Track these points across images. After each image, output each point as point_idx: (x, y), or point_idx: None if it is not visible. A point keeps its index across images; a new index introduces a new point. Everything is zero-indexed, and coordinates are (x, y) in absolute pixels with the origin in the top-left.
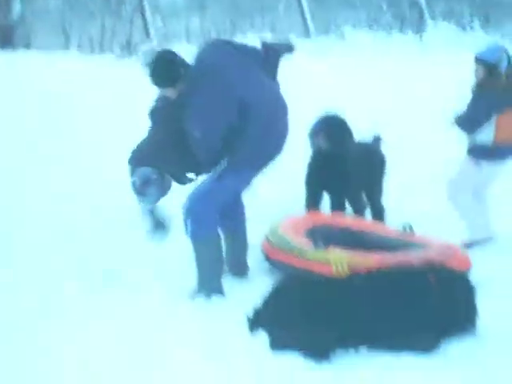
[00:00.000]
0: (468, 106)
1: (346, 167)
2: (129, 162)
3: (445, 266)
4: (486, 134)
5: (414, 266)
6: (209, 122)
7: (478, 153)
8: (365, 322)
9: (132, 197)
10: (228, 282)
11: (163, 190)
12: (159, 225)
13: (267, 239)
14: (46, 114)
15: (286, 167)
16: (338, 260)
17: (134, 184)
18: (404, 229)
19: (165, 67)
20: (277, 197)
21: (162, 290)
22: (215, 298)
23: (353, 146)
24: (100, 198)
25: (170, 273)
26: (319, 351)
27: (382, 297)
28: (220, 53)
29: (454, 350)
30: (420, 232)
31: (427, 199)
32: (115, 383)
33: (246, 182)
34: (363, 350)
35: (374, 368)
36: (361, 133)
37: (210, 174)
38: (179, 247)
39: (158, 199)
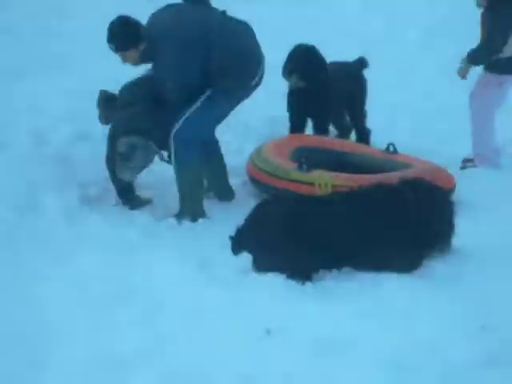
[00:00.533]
0: (490, 27)
1: (325, 92)
2: (110, 135)
3: (424, 183)
4: (509, 47)
5: (392, 185)
6: (181, 67)
7: (502, 67)
8: (346, 243)
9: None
10: (213, 204)
11: (147, 159)
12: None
13: (252, 161)
14: None
15: (270, 88)
16: (322, 181)
17: (119, 149)
18: (388, 149)
19: (123, 30)
20: (262, 118)
21: (145, 213)
22: (200, 221)
23: (333, 68)
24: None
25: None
26: (302, 272)
27: (362, 216)
28: (170, 8)
29: (435, 267)
30: (404, 152)
31: (413, 120)
32: (103, 302)
33: (236, 103)
34: (346, 269)
35: (358, 283)
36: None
37: (200, 98)
38: (161, 171)
39: (141, 169)
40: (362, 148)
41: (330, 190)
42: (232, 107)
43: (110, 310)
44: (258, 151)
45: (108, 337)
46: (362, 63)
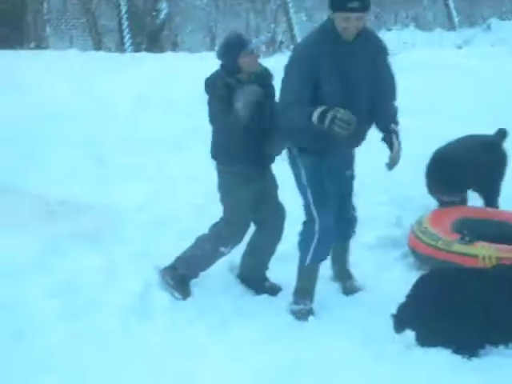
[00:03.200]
0: None
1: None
2: None
3: None
4: None
5: None
6: None
7: None
8: None
9: None
10: (369, 276)
11: None
12: None
13: (413, 233)
14: (193, 115)
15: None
16: (486, 253)
17: None
18: None
19: None
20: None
21: None
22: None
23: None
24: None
25: None
26: (468, 347)
27: None
28: None
29: None
30: None
31: None
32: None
33: None
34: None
35: None
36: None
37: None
38: None
39: None
40: None
41: (493, 262)
42: None
43: None
44: (419, 222)
45: None
46: (502, 135)
